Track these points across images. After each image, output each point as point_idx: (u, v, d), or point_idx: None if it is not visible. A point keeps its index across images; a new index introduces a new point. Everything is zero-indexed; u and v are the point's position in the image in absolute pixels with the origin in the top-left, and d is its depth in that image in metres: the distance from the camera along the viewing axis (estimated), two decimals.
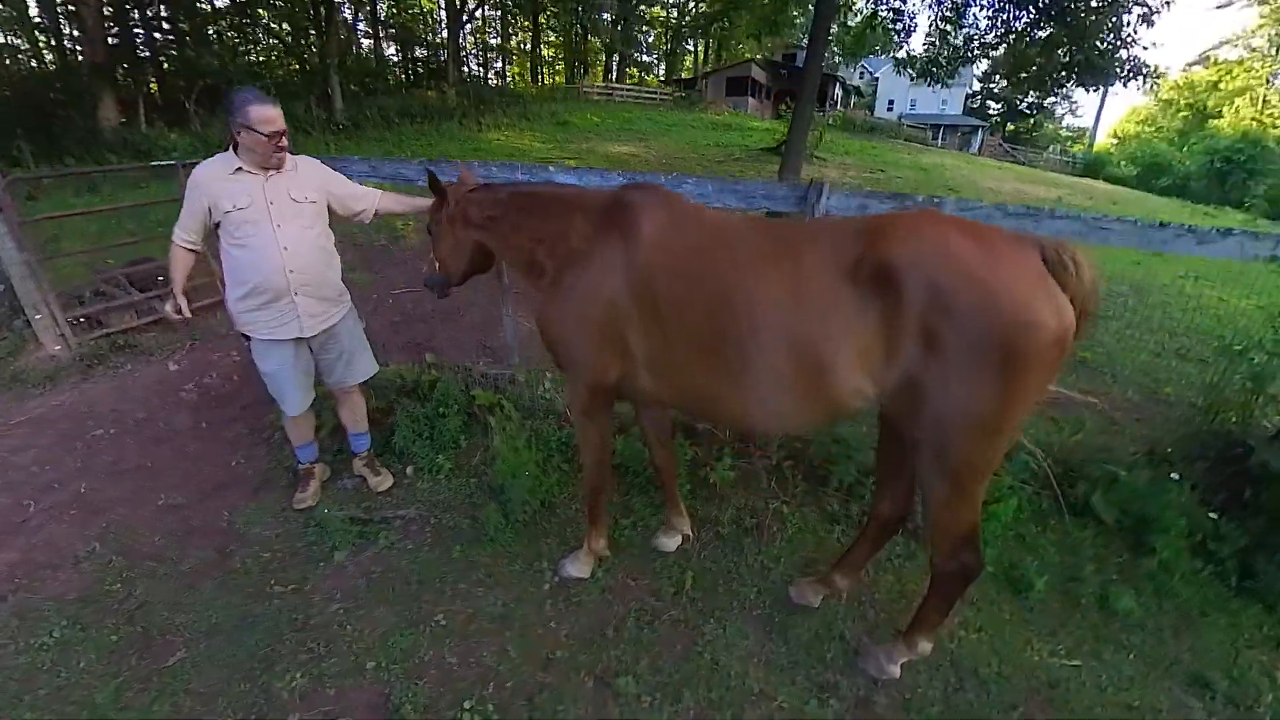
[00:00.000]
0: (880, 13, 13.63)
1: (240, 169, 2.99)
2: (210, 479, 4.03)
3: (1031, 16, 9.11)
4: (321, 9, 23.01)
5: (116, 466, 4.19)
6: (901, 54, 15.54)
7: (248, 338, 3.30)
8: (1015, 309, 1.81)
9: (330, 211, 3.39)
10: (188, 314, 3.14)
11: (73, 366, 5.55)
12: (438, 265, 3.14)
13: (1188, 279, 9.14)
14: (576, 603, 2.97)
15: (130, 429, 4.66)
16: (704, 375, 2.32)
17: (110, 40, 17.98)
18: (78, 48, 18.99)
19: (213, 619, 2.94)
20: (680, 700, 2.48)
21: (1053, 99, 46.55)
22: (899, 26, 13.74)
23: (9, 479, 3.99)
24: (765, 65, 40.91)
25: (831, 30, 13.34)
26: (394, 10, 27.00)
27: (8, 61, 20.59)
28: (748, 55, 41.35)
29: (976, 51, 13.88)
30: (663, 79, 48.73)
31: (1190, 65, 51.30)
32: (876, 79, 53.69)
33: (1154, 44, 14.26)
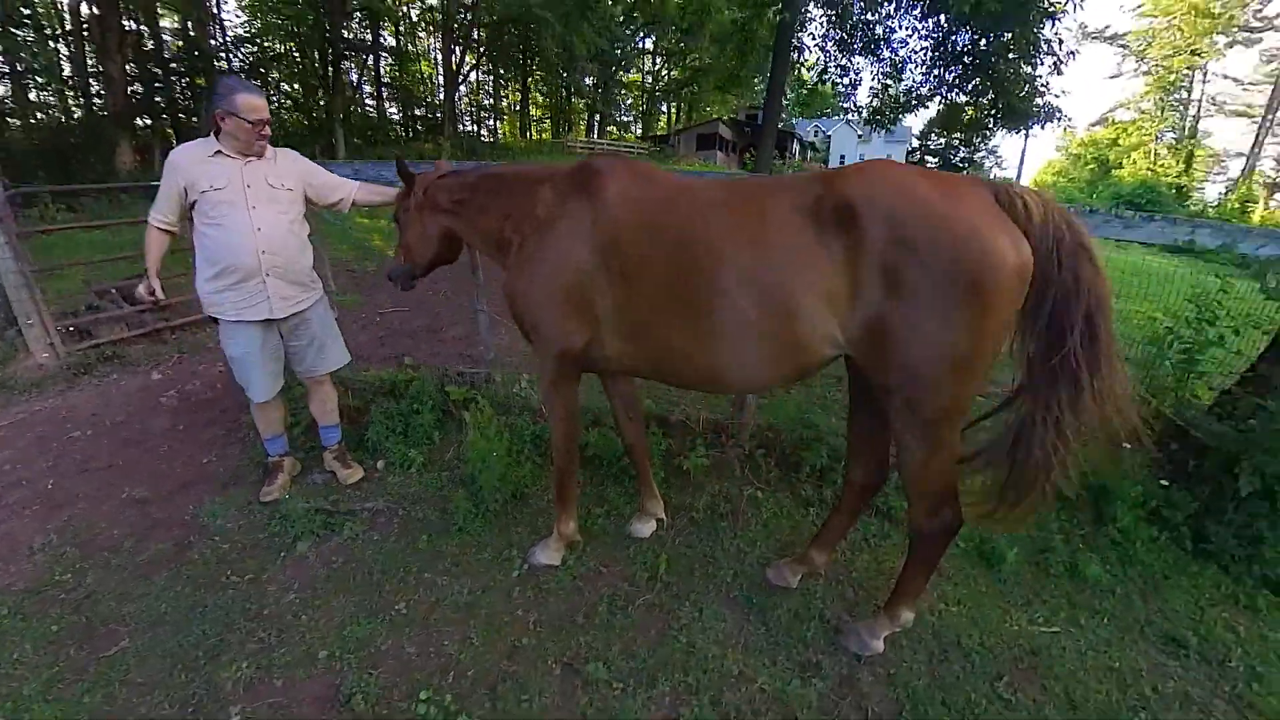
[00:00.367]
0: (830, 68, 13.83)
1: (219, 152, 2.78)
2: (179, 476, 3.60)
3: (959, 71, 9.13)
4: (329, 70, 22.89)
5: (86, 465, 3.75)
6: (849, 105, 15.81)
7: (216, 321, 3.00)
8: (975, 241, 1.66)
9: (309, 202, 3.14)
10: (160, 296, 2.89)
11: (60, 375, 5.12)
12: (403, 255, 2.91)
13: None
14: (546, 590, 2.60)
15: (106, 431, 4.22)
16: (672, 330, 2.09)
17: (130, 93, 17.64)
18: (98, 101, 18.63)
19: (161, 608, 2.54)
20: (655, 686, 2.14)
21: (981, 153, 48.12)
22: (846, 81, 13.95)
23: None
24: (731, 124, 41.71)
25: (788, 94, 13.50)
26: (395, 73, 26.99)
27: (39, 116, 20.19)
28: (716, 115, 42.11)
29: (915, 102, 14.17)
30: (640, 135, 49.36)
31: (1093, 125, 53.73)
32: (829, 136, 55.23)
33: (1063, 91, 14.67)
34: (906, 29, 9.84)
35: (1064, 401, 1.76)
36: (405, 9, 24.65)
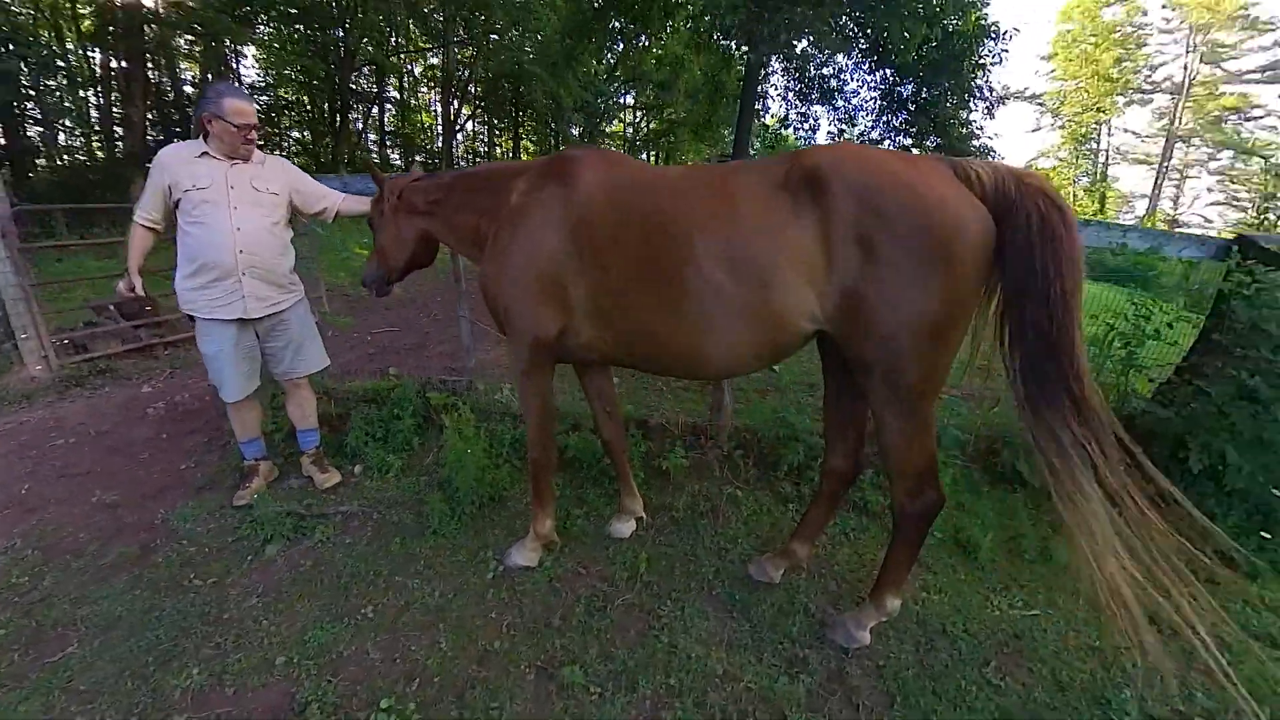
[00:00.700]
0: (791, 116, 14.00)
1: (205, 154, 2.62)
2: (155, 481, 3.25)
3: (905, 117, 9.22)
4: (337, 119, 22.73)
5: (65, 471, 3.39)
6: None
7: (193, 319, 2.74)
8: (943, 208, 1.57)
9: (297, 211, 2.92)
10: (140, 292, 2.71)
11: (51, 387, 4.74)
12: (378, 258, 2.67)
13: None
14: (521, 592, 2.30)
15: (89, 439, 3.85)
16: (647, 311, 1.88)
17: (147, 136, 17.27)
18: (120, 144, 18.23)
19: (118, 612, 2.22)
20: (635, 689, 1.85)
21: None
22: (806, 127, 14.11)
23: None
24: None
25: (755, 141, 13.59)
26: (398, 122, 26.94)
27: (65, 159, 19.73)
28: (691, 161, 42.60)
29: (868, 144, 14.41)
30: None
31: None
32: None
33: (996, 134, 15.06)
34: (858, 81, 10.01)
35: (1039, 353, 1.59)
36: (409, 66, 24.66)
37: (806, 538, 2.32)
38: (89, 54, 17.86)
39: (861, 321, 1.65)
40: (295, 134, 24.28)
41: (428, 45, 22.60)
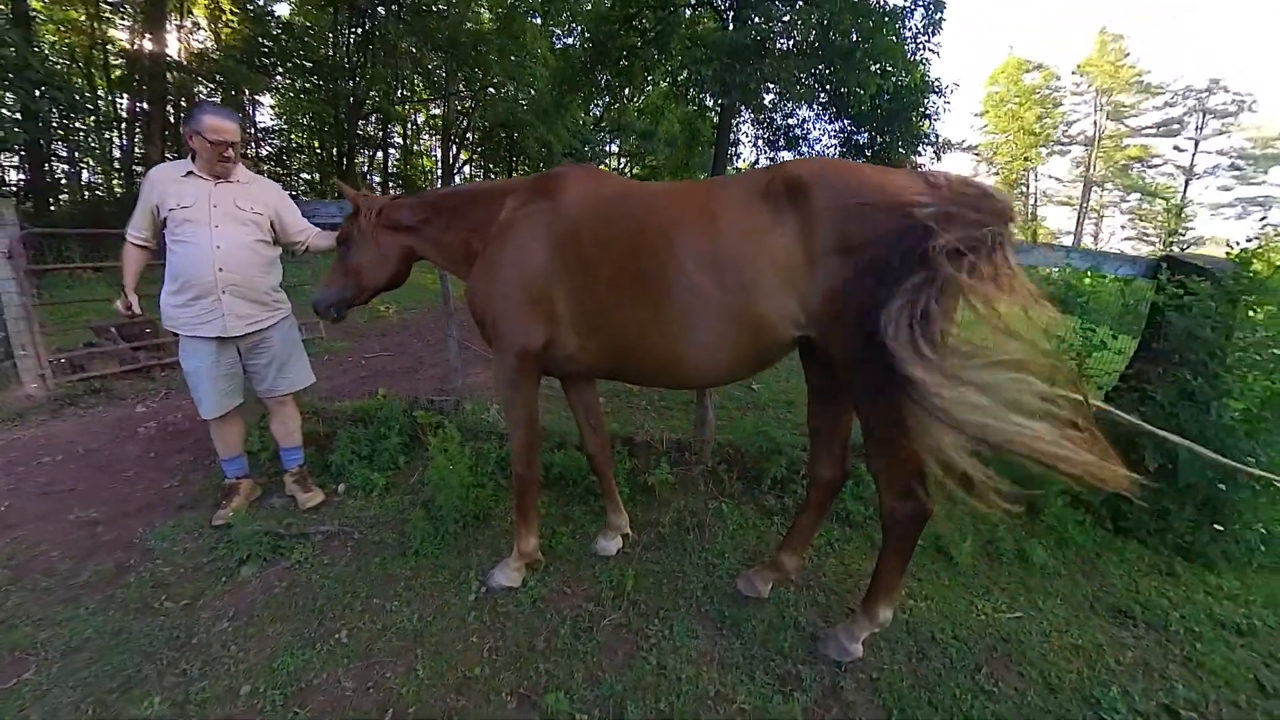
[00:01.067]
0: (760, 160, 14.12)
1: (191, 173, 2.44)
2: (138, 500, 2.95)
3: (862, 161, 9.29)
4: (344, 161, 22.60)
5: (47, 489, 3.07)
6: None
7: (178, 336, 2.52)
8: (914, 214, 1.46)
9: (275, 234, 2.68)
10: (137, 310, 2.51)
11: (46, 406, 4.38)
12: (351, 278, 2.37)
13: None
14: (504, 614, 2.05)
15: (77, 457, 3.52)
16: (631, 318, 1.75)
17: None
18: (138, 182, 17.86)
19: (84, 634, 1.93)
20: (624, 714, 1.63)
21: None
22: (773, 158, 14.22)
23: None
24: None
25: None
26: (401, 166, 26.92)
27: (85, 195, 19.26)
28: None
29: None
30: None
31: None
32: None
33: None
34: (819, 130, 10.16)
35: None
36: (413, 114, 24.72)
37: (795, 549, 2.13)
38: (116, 99, 17.58)
39: (845, 321, 1.54)
40: (305, 175, 24.08)
41: (430, 96, 22.68)
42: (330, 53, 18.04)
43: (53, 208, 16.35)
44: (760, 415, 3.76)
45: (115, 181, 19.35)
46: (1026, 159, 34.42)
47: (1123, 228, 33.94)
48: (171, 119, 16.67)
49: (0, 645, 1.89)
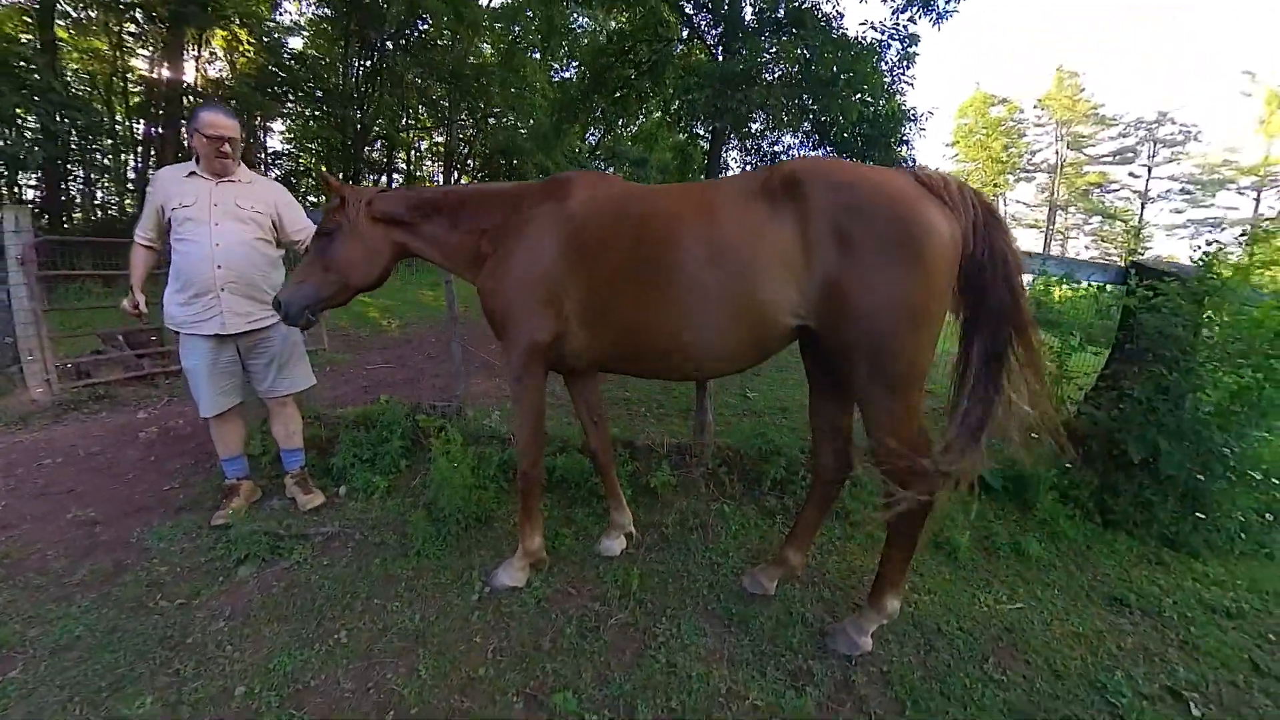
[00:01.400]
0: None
1: (194, 173, 2.39)
2: (137, 501, 2.81)
3: (849, 160, 9.24)
4: (351, 179, 22.58)
5: (45, 490, 2.92)
6: None
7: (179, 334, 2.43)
8: (911, 207, 1.51)
9: (277, 232, 2.60)
10: (144, 309, 2.43)
11: (50, 410, 4.23)
12: (325, 276, 2.06)
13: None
14: (508, 614, 1.93)
15: (77, 460, 3.36)
16: (637, 308, 1.72)
17: None
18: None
19: (75, 633, 1.80)
20: (634, 714, 1.52)
21: None
22: None
23: None
24: None
25: None
26: (404, 184, 27.00)
27: (98, 214, 19.07)
28: None
29: None
30: None
31: None
32: None
33: None
34: (803, 156, 10.19)
35: (995, 364, 1.53)
36: (417, 141, 24.80)
37: (800, 544, 2.05)
38: (133, 124, 17.50)
39: (843, 309, 1.53)
40: (311, 197, 23.98)
41: (433, 125, 22.78)
42: (340, 82, 18.11)
43: (66, 225, 16.14)
44: (757, 421, 3.68)
45: (128, 201, 19.21)
46: (996, 185, 35.29)
47: (1086, 248, 34.71)
48: (185, 142, 16.60)
49: None
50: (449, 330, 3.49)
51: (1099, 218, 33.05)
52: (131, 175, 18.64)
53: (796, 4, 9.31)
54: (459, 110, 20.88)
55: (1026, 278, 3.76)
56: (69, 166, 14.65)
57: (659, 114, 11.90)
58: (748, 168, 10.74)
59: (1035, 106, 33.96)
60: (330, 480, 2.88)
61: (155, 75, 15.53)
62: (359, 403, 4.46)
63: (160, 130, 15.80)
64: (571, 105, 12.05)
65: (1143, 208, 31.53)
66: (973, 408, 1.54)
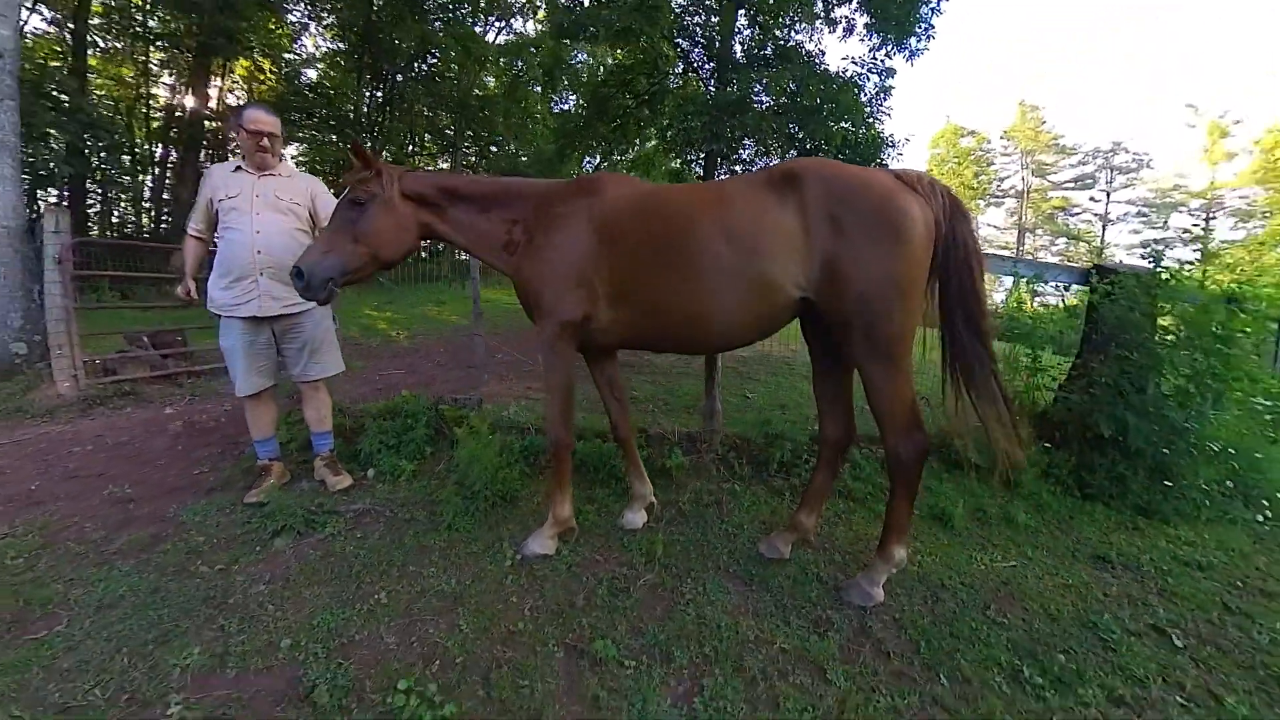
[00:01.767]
0: None
1: (240, 169, 2.47)
2: (169, 483, 2.78)
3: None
4: None
5: (76, 473, 2.89)
6: None
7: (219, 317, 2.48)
8: (891, 197, 1.70)
9: (313, 221, 2.65)
10: (195, 297, 2.52)
11: (76, 405, 4.16)
12: (354, 248, 1.96)
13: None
14: (541, 578, 1.94)
15: (106, 448, 3.32)
16: (660, 286, 1.85)
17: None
18: (168, 219, 17.55)
19: (119, 593, 1.79)
20: (671, 660, 1.54)
21: None
22: None
23: None
24: None
25: None
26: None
27: (115, 231, 18.95)
28: None
29: None
30: None
31: None
32: None
33: None
34: None
35: (965, 324, 1.76)
36: (424, 166, 25.05)
37: (812, 508, 2.13)
38: (152, 146, 17.49)
39: (839, 283, 1.69)
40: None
41: (438, 151, 22.97)
42: (353, 110, 18.30)
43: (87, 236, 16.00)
44: (759, 415, 3.71)
45: (146, 219, 19.10)
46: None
47: None
48: (205, 164, 16.64)
49: (31, 600, 1.75)
50: (455, 344, 3.51)
51: (1064, 239, 33.96)
52: (148, 193, 18.59)
53: (782, 42, 9.65)
54: (463, 138, 21.12)
55: (1007, 281, 3.91)
56: (89, 184, 14.57)
57: (656, 140, 12.14)
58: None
59: (1001, 137, 35.22)
60: (357, 465, 2.87)
61: (176, 101, 15.63)
62: (377, 401, 4.46)
63: (179, 153, 15.84)
64: (575, 133, 12.27)
65: (1104, 229, 32.49)
66: (979, 370, 1.73)
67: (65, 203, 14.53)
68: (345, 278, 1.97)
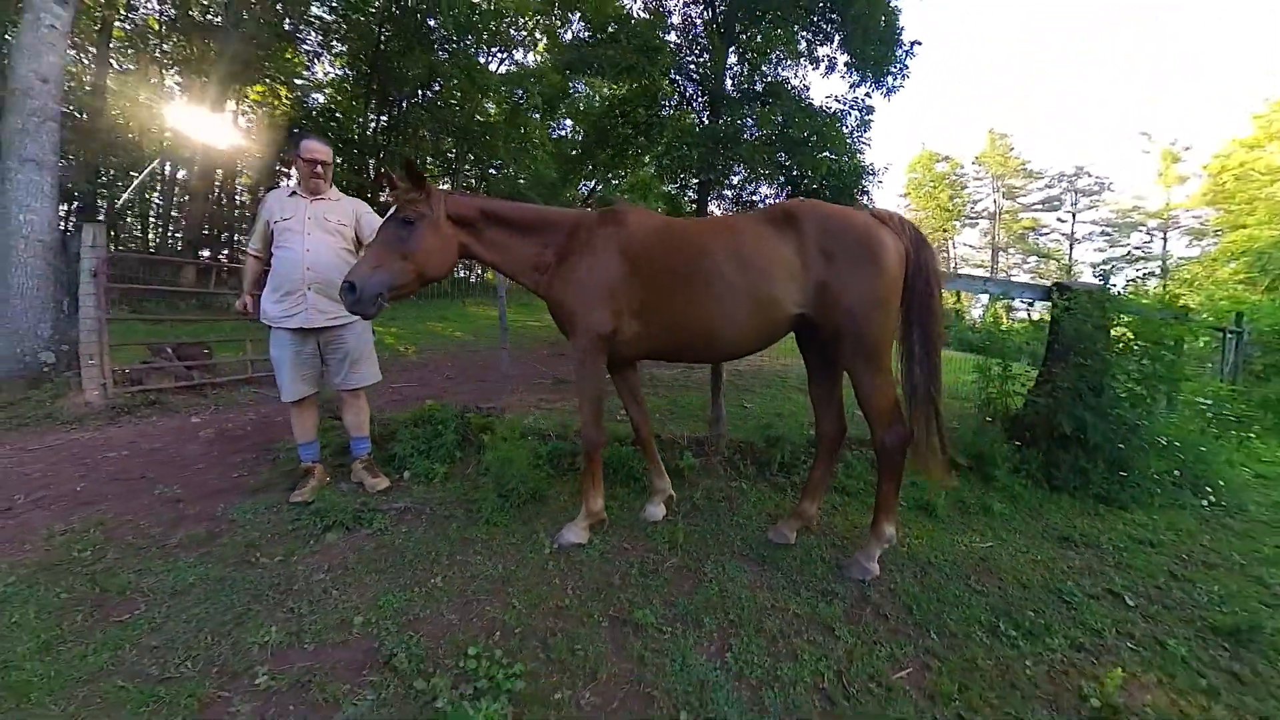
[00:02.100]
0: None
1: (294, 193, 2.64)
2: (211, 485, 2.87)
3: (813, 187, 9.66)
4: None
5: (118, 476, 2.95)
6: None
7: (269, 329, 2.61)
8: (870, 233, 2.01)
9: (358, 239, 2.79)
10: (251, 310, 2.67)
11: (103, 413, 4.20)
12: (403, 265, 2.00)
13: None
14: (578, 563, 2.10)
15: (142, 453, 3.39)
16: (679, 304, 2.09)
17: (203, 228, 16.58)
18: (179, 235, 17.38)
19: (188, 581, 1.90)
20: (701, 625, 1.73)
21: None
22: None
23: (6, 484, 2.73)
24: None
25: None
26: None
27: (118, 246, 18.71)
28: None
29: None
30: None
31: None
32: None
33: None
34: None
35: (920, 341, 2.04)
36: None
37: (813, 497, 2.35)
38: (164, 166, 17.36)
39: (830, 301, 1.99)
40: None
41: (440, 173, 23.19)
42: (358, 134, 18.47)
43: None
44: (759, 422, 3.88)
45: (151, 235, 18.92)
46: (944, 231, 37.60)
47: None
48: (218, 183, 16.61)
49: (109, 588, 1.84)
50: (461, 359, 3.65)
51: (1035, 257, 35.26)
52: (156, 210, 18.42)
53: (770, 79, 10.09)
54: (465, 161, 21.34)
55: (983, 298, 4.18)
56: (100, 201, 14.46)
57: (652, 168, 12.48)
58: (730, 213, 11.37)
59: (973, 163, 36.74)
60: (392, 468, 2.98)
61: (185, 122, 15.65)
62: (396, 412, 4.54)
63: (185, 173, 15.79)
64: (577, 159, 12.57)
65: (1071, 248, 33.78)
66: (920, 375, 2.02)
67: (73, 219, 14.42)
68: (393, 292, 2.02)
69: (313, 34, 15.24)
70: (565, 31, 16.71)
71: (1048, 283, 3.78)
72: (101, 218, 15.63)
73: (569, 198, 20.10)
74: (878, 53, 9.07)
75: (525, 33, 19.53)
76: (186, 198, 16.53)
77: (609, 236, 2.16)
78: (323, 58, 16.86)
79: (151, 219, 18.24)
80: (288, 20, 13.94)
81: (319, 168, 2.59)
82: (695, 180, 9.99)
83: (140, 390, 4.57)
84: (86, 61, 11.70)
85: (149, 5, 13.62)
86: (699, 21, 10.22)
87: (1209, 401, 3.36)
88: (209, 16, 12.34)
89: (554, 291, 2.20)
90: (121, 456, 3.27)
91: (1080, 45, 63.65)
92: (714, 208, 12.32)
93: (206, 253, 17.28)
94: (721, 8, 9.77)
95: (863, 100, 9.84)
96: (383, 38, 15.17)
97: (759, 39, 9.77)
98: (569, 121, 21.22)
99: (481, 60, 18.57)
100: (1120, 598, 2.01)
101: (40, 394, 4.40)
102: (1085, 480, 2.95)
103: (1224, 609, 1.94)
